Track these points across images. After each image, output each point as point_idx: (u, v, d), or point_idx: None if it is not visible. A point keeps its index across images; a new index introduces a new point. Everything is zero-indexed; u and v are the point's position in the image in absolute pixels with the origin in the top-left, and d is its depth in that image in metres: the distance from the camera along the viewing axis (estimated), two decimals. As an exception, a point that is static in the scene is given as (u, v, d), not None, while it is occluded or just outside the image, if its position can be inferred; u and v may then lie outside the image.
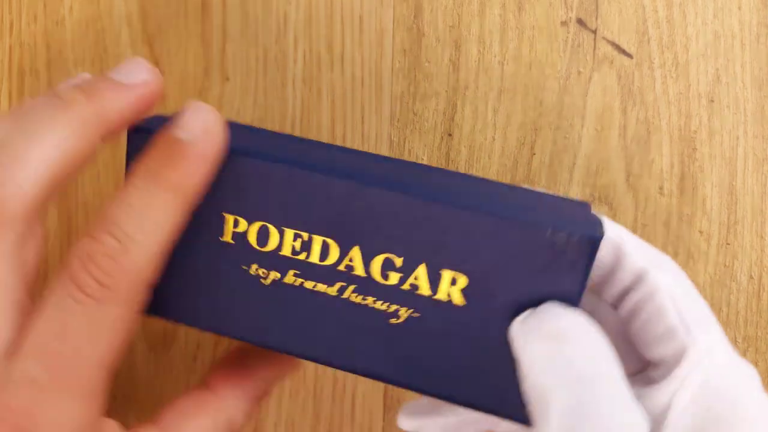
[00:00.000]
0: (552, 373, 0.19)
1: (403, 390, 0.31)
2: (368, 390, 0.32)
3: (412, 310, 0.22)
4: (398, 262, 0.22)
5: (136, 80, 0.22)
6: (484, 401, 0.22)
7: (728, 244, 0.32)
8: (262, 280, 0.23)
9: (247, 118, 0.32)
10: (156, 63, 0.33)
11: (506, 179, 0.32)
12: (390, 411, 0.32)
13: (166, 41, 0.33)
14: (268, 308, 0.23)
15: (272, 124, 0.32)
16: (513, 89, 0.32)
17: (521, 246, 0.21)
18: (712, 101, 0.32)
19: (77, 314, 0.20)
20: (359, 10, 0.33)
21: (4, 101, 0.33)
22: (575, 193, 0.32)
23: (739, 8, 0.32)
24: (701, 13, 0.32)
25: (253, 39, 0.33)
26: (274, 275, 0.23)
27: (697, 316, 0.22)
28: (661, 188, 0.32)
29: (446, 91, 0.32)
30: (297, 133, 0.32)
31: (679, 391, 0.21)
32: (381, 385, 0.32)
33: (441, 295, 0.22)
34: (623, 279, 0.22)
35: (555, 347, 0.20)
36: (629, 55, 0.32)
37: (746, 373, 0.22)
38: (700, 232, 0.32)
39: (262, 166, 0.22)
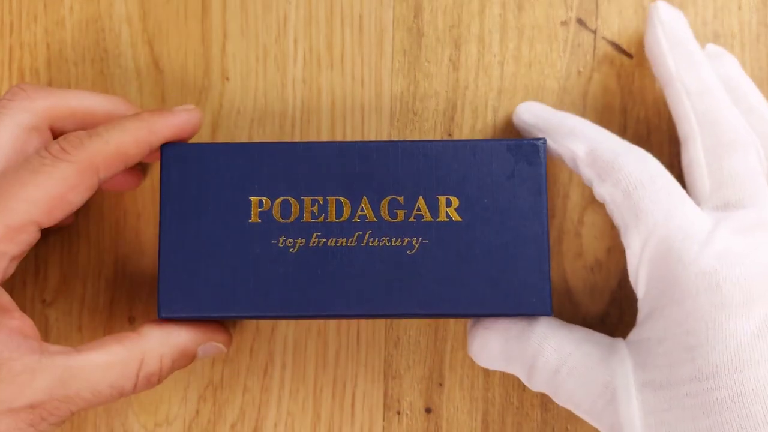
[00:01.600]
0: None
1: (403, 388, 0.31)
2: (368, 390, 0.32)
3: (421, 238, 0.27)
4: (401, 200, 0.27)
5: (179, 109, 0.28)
6: (500, 307, 0.26)
7: (728, 244, 0.32)
8: (290, 250, 0.27)
9: (247, 118, 0.32)
10: (156, 63, 0.33)
11: (506, 179, 0.32)
12: (390, 411, 0.32)
13: (166, 41, 0.33)
14: (300, 277, 0.26)
15: (272, 124, 0.32)
16: (513, 89, 0.32)
17: (489, 161, 0.27)
18: (712, 101, 0.32)
19: (35, 163, 0.26)
20: (359, 10, 0.33)
21: (4, 101, 0.33)
22: (576, 193, 0.32)
23: (739, 8, 0.32)
24: (701, 13, 0.32)
25: (253, 39, 0.33)
26: (300, 242, 0.27)
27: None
28: (661, 188, 0.32)
29: (446, 91, 0.32)
30: (297, 132, 0.32)
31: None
32: (381, 384, 0.32)
33: (442, 217, 0.27)
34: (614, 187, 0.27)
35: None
36: (629, 55, 0.32)
37: None
38: (700, 232, 0.32)
39: (274, 148, 0.27)
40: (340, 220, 0.27)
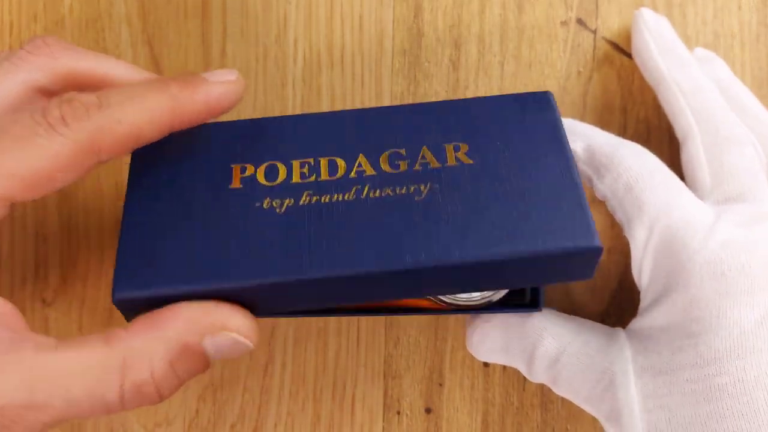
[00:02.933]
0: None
1: (403, 388, 0.31)
2: (368, 390, 0.32)
3: (430, 184, 0.24)
4: (402, 152, 0.24)
5: (219, 78, 0.24)
6: (537, 242, 0.22)
7: (728, 244, 0.32)
8: (277, 210, 0.23)
9: (246, 118, 0.32)
10: (156, 63, 0.33)
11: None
12: (390, 411, 0.32)
13: (166, 41, 0.33)
14: (289, 239, 0.22)
15: (272, 124, 0.32)
16: (513, 89, 0.32)
17: (498, 110, 0.25)
18: (712, 101, 0.32)
19: (24, 128, 0.21)
20: (359, 10, 0.33)
21: (4, 101, 0.32)
22: (575, 193, 0.32)
23: (739, 8, 0.32)
24: (701, 13, 0.32)
25: (253, 39, 0.33)
26: (288, 202, 0.23)
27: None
28: (661, 188, 0.32)
29: (446, 91, 0.32)
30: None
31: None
32: (381, 384, 0.32)
33: (451, 162, 0.24)
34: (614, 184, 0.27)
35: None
36: (629, 55, 0.32)
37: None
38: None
39: (261, 123, 0.25)
40: (335, 177, 0.24)
